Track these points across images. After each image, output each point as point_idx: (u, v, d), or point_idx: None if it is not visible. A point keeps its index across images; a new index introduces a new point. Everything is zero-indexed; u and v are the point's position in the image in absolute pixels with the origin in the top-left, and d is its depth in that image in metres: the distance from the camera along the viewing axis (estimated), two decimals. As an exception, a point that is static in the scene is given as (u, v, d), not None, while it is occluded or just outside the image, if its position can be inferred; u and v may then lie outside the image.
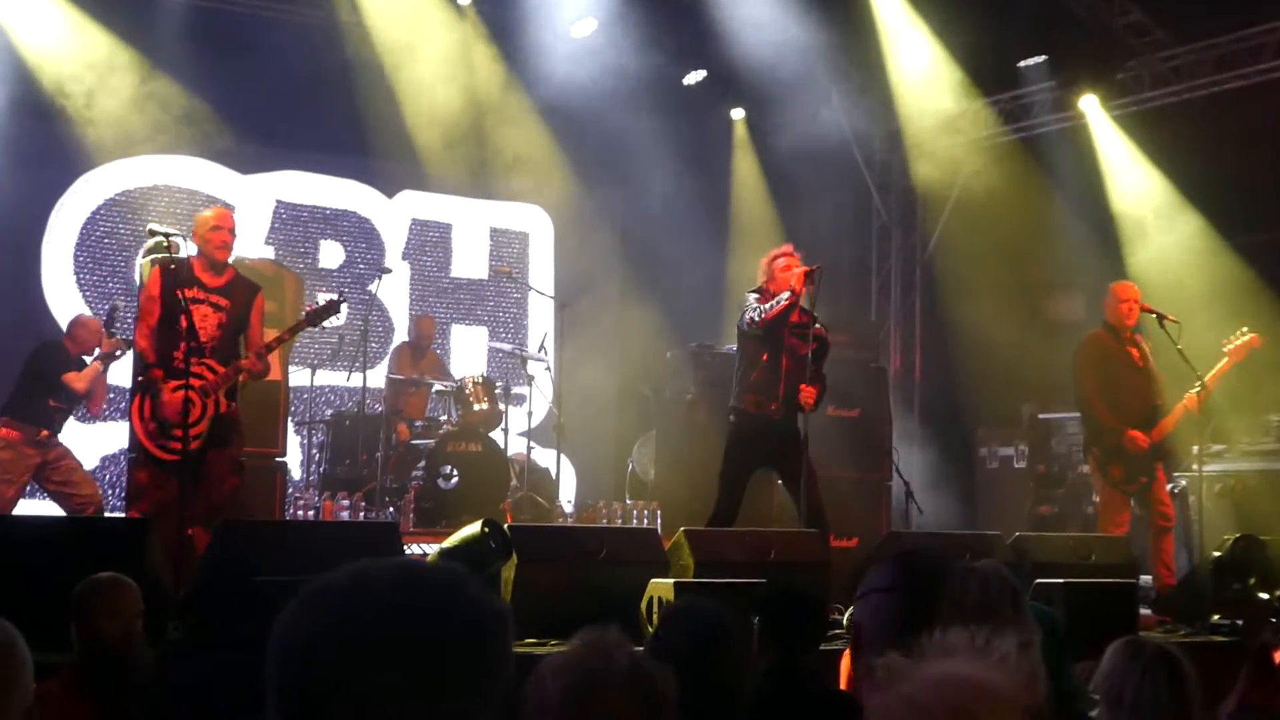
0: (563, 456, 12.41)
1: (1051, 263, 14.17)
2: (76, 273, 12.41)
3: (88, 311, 11.38)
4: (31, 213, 12.29)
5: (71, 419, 10.28)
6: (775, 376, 9.14)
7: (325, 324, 8.63)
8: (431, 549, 8.75)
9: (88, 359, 9.94)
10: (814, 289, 9.08)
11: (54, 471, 9.84)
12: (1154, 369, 10.05)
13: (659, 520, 11.79)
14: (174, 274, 7.98)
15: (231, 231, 8.24)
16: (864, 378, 12.37)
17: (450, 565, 1.78)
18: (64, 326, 10.66)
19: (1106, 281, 10.54)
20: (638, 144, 13.77)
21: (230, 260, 8.32)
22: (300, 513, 10.82)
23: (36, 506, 11.13)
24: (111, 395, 11.16)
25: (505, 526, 7.32)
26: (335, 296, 8.42)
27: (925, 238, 15.52)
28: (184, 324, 7.81)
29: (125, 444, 9.62)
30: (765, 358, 9.17)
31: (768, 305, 9.04)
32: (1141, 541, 9.82)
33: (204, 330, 7.99)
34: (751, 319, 9.12)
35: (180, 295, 7.86)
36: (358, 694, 1.61)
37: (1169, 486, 10.17)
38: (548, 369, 12.37)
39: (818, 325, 9.19)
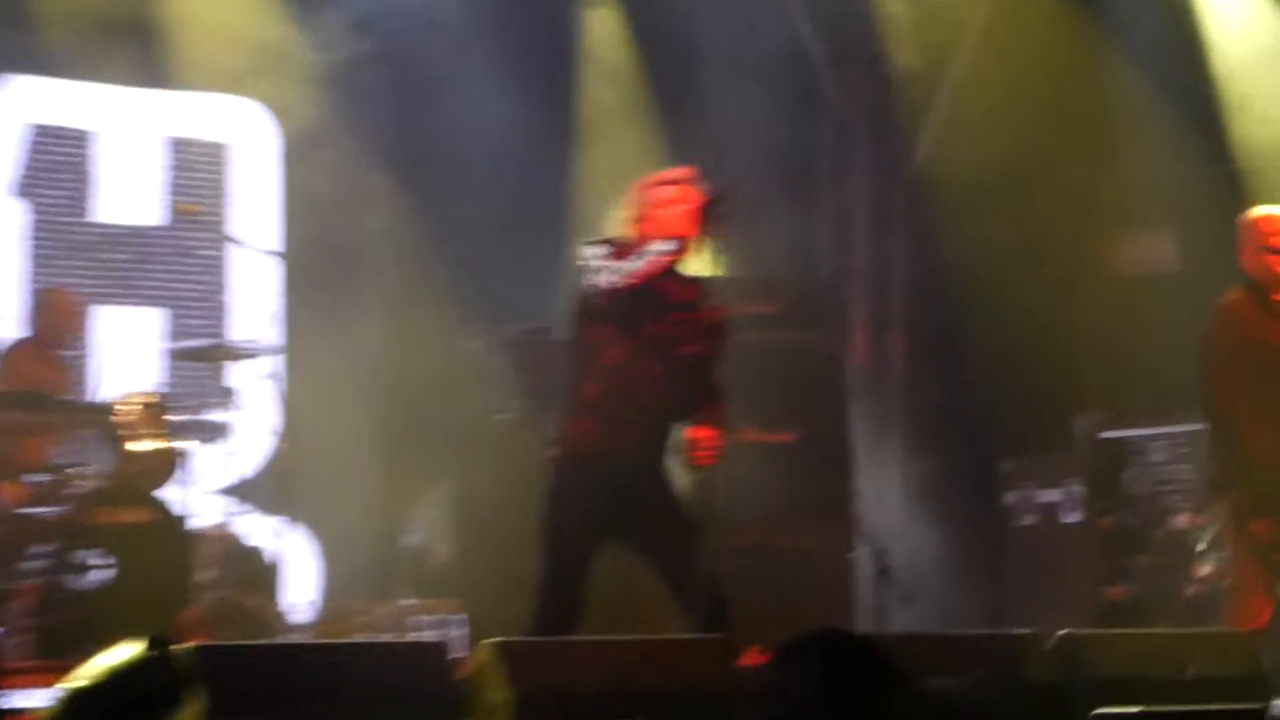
0: (296, 526, 12.41)
1: (1122, 180, 14.27)
2: None
3: None
4: None
5: None
6: (630, 388, 9.09)
7: None
8: (54, 696, 8.48)
9: None
10: (718, 231, 9.09)
11: None
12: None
13: (467, 630, 11.89)
14: None
15: None
16: (808, 375, 12.43)
17: None
18: None
19: (1224, 210, 10.52)
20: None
21: None
22: None
23: None
24: None
25: (186, 650, 7.04)
26: None
27: (908, 142, 15.51)
28: None
29: None
30: (615, 356, 9.12)
31: (630, 262, 8.94)
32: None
33: None
34: (597, 286, 9.01)
35: None
36: None
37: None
38: (269, 378, 12.43)
39: (711, 303, 9.25)
